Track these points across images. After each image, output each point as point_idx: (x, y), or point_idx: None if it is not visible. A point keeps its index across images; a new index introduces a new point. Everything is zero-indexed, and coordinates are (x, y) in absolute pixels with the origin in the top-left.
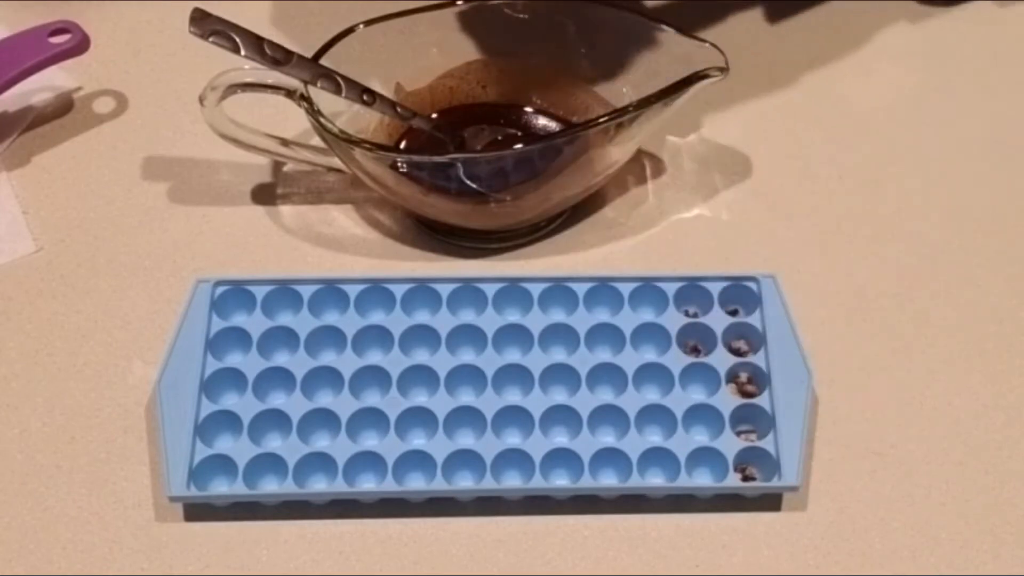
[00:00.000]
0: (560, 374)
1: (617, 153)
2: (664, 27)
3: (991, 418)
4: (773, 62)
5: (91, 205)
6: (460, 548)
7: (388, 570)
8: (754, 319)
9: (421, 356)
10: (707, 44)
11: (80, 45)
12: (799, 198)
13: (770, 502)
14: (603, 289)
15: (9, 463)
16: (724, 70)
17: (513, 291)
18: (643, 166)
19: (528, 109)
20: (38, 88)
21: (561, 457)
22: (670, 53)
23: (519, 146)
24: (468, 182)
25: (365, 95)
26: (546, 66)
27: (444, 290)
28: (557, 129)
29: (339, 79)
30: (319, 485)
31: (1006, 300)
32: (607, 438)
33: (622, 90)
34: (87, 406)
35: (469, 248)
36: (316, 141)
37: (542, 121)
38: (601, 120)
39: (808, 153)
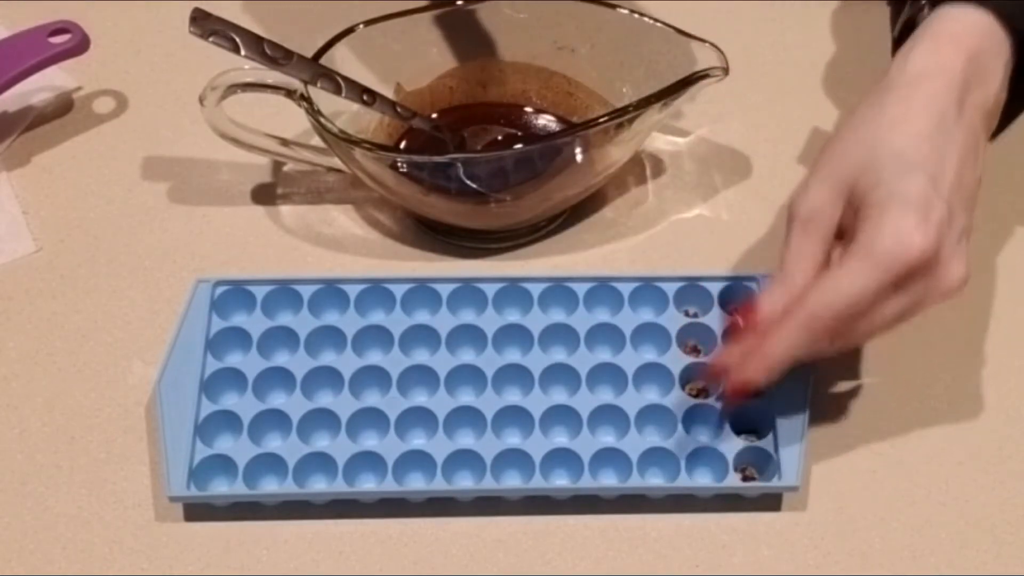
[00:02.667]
0: (560, 374)
1: (617, 153)
2: (664, 27)
3: (991, 418)
4: (773, 62)
5: (91, 205)
6: (460, 548)
7: (388, 570)
8: None
9: (421, 356)
10: (707, 44)
11: (80, 45)
12: None
13: (770, 502)
14: (603, 289)
15: (9, 463)
16: (724, 70)
17: (513, 291)
18: (643, 166)
19: (528, 109)
20: (38, 88)
21: (561, 457)
22: (670, 53)
23: (519, 146)
24: (468, 182)
25: (365, 95)
26: (546, 66)
27: (444, 290)
28: (557, 129)
29: (339, 79)
30: (319, 485)
31: (1006, 300)
32: (607, 438)
33: (622, 90)
34: (87, 406)
35: (469, 248)
36: (316, 141)
37: (542, 121)
38: (601, 120)
39: (808, 153)
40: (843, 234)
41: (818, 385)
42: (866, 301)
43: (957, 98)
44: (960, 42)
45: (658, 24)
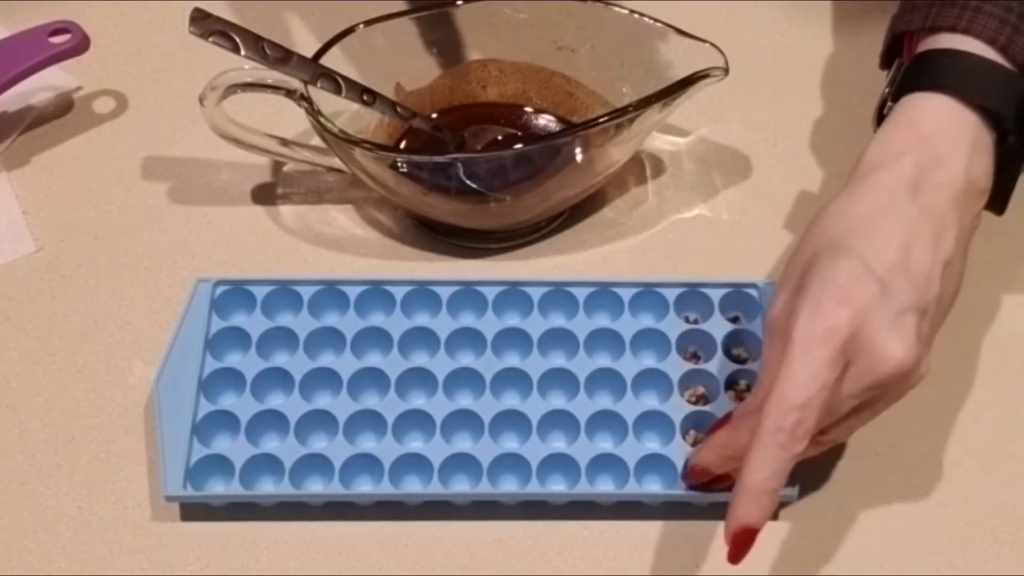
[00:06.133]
0: (559, 379)
1: (617, 153)
2: (664, 27)
3: (991, 418)
4: (773, 62)
5: (91, 205)
6: (456, 552)
7: (383, 572)
8: (755, 326)
9: (420, 359)
10: (707, 44)
11: (80, 45)
12: (799, 198)
13: None
14: (603, 294)
15: (9, 463)
16: (724, 70)
17: (513, 295)
18: (643, 166)
19: (528, 109)
20: (38, 88)
21: (558, 462)
22: (670, 53)
23: (519, 146)
24: (468, 182)
25: (365, 95)
26: (546, 66)
27: (444, 293)
28: (557, 129)
29: (339, 79)
30: (315, 487)
31: (1005, 300)
32: (604, 444)
33: (622, 90)
34: (87, 406)
35: (469, 248)
36: (316, 141)
37: (542, 121)
38: (601, 120)
39: (808, 153)
40: None
41: None
42: (812, 394)
43: (908, 182)
44: (913, 127)
45: (658, 24)
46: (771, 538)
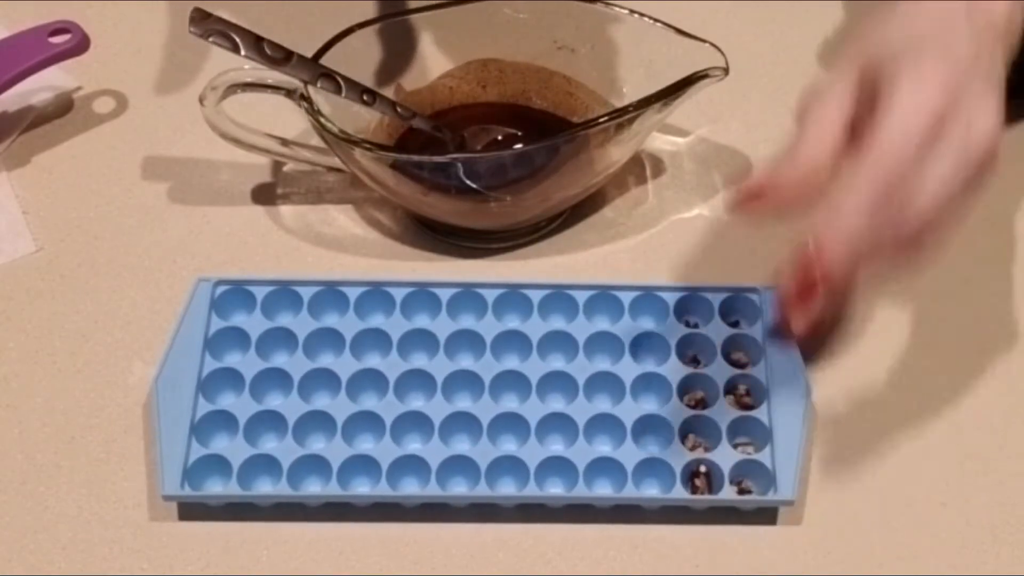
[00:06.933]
0: (558, 382)
1: (617, 153)
2: (664, 27)
3: (991, 418)
4: (773, 62)
5: (91, 205)
6: (453, 554)
7: (382, 573)
8: (755, 331)
9: (419, 360)
10: (707, 44)
11: (80, 45)
12: None
13: (766, 515)
14: (604, 297)
15: (9, 463)
16: (724, 70)
17: (513, 297)
18: (643, 166)
19: (528, 109)
20: (38, 88)
21: (556, 465)
22: (670, 53)
23: (519, 146)
24: (468, 182)
25: (365, 95)
26: (546, 66)
27: (444, 294)
28: (557, 129)
29: (339, 79)
30: (313, 487)
31: (1005, 300)
32: (603, 447)
33: (622, 90)
34: (87, 406)
35: (469, 248)
36: (316, 141)
37: (542, 121)
38: (601, 120)
39: None
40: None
41: (817, 396)
42: (910, 152)
43: (961, 7)
44: None
45: (658, 24)
46: (771, 538)
